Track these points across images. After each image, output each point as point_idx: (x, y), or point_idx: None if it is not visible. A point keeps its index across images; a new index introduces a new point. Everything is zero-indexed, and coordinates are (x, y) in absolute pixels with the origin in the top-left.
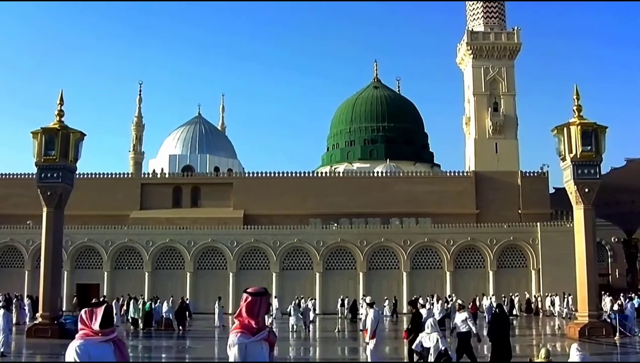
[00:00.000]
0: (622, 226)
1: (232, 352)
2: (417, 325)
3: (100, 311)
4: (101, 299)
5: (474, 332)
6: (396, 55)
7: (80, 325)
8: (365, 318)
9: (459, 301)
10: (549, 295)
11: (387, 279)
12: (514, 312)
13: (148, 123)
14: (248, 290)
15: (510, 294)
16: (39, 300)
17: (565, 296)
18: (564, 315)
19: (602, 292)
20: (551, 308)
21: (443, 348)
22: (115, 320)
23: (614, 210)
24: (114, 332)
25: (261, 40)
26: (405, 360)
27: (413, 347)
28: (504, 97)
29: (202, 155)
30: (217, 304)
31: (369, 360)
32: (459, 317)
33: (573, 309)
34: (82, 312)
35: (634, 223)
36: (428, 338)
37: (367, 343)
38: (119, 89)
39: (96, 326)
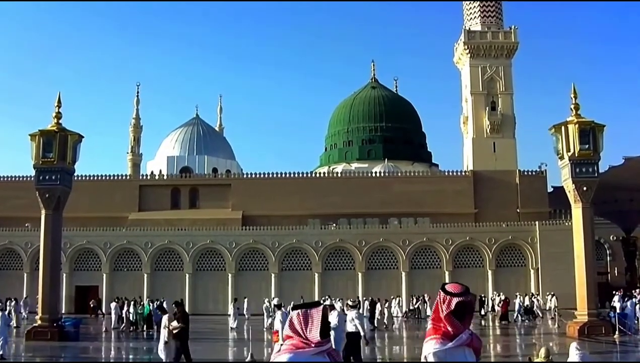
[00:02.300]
0: (621, 224)
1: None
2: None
3: (317, 315)
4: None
5: (362, 333)
6: (393, 55)
7: (288, 331)
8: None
9: (349, 301)
10: (532, 295)
11: (386, 279)
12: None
13: (146, 124)
14: (447, 289)
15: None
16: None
17: (549, 296)
18: (552, 316)
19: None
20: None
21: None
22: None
23: (613, 209)
24: (329, 342)
25: (259, 41)
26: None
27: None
28: (501, 96)
29: (200, 156)
30: (232, 305)
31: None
32: (348, 317)
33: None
34: (294, 315)
35: (632, 222)
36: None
37: (281, 345)
38: (117, 91)
39: (314, 334)
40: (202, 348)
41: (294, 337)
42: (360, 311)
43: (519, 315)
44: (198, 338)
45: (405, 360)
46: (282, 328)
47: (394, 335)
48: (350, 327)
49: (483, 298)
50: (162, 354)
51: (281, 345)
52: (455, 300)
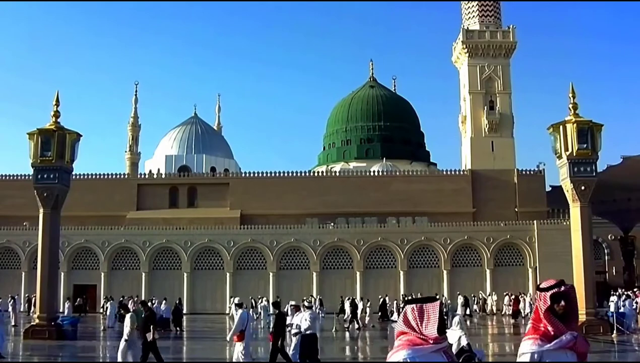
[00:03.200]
0: (619, 223)
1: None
2: (281, 326)
3: (434, 310)
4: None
5: (317, 334)
6: (392, 54)
7: (402, 327)
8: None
9: (306, 302)
10: (506, 294)
11: (384, 278)
12: (467, 312)
13: (144, 123)
14: (541, 286)
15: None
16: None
17: (522, 296)
18: (523, 315)
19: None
20: (505, 307)
21: (465, 344)
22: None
23: (611, 208)
24: (446, 339)
25: (257, 40)
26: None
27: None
28: (499, 95)
29: (198, 155)
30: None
31: (236, 360)
32: (302, 317)
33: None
34: (408, 309)
35: (630, 221)
36: (452, 335)
37: (242, 345)
38: (115, 90)
39: (431, 330)
40: (202, 347)
41: (410, 333)
42: (317, 311)
43: (529, 313)
44: (198, 337)
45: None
46: (236, 327)
47: (366, 335)
48: (304, 327)
49: (474, 298)
50: (121, 356)
51: (401, 339)
52: (549, 294)
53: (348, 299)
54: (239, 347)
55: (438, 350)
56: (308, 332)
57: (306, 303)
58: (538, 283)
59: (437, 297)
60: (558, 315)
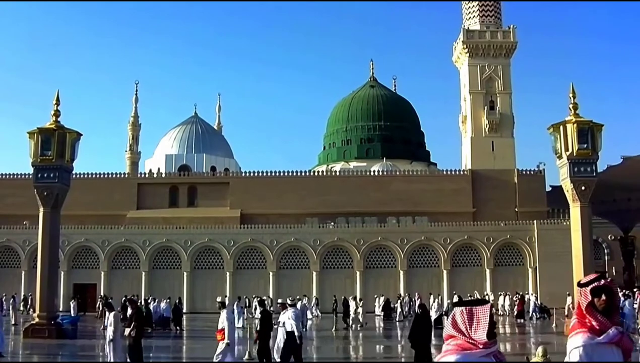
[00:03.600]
0: (619, 224)
1: (572, 357)
2: (267, 325)
3: (484, 314)
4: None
5: (296, 333)
6: (392, 54)
7: (450, 330)
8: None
9: (288, 300)
10: (501, 294)
11: (384, 278)
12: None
13: (144, 123)
14: (581, 282)
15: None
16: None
17: (517, 296)
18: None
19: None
20: (504, 307)
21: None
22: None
23: (611, 208)
24: (496, 343)
25: (257, 40)
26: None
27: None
28: (500, 95)
29: (198, 154)
30: (236, 304)
31: (220, 360)
32: (285, 315)
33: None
34: (457, 312)
35: (630, 221)
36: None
37: (227, 345)
38: (115, 89)
39: (481, 335)
40: (202, 347)
41: (458, 337)
42: (297, 312)
43: (534, 313)
44: (197, 336)
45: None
46: (228, 327)
47: (359, 334)
48: (288, 326)
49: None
50: (111, 356)
51: (450, 344)
52: (589, 289)
53: (354, 298)
54: (222, 345)
55: (488, 355)
56: (291, 330)
57: (289, 301)
58: (579, 280)
59: (487, 299)
60: (599, 310)
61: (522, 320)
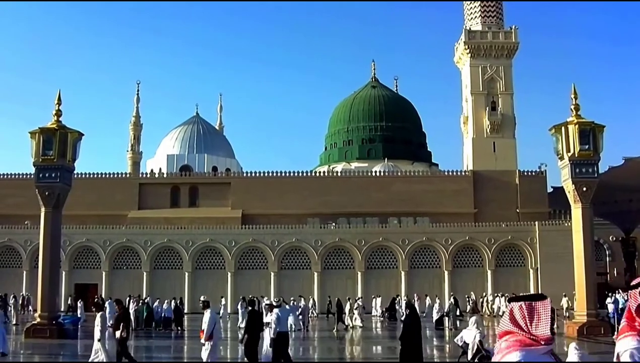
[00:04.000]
0: (620, 225)
1: (624, 358)
2: (253, 324)
3: (545, 309)
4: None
5: (272, 335)
6: (394, 54)
7: (508, 326)
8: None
9: (274, 301)
10: (497, 295)
11: (385, 278)
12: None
13: (146, 123)
14: (632, 284)
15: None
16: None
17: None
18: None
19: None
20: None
21: (477, 342)
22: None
23: (612, 209)
24: (554, 339)
25: (259, 40)
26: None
27: (456, 340)
28: (501, 96)
29: (200, 154)
30: (240, 304)
31: (205, 361)
32: (269, 316)
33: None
34: (515, 307)
35: (632, 222)
36: (469, 334)
37: (203, 345)
38: (117, 89)
39: (543, 330)
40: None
41: (517, 332)
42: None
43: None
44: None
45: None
46: (207, 327)
47: (354, 335)
48: (280, 327)
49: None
50: (95, 356)
51: (505, 341)
52: (638, 290)
53: (349, 299)
54: (207, 347)
55: (548, 352)
56: (278, 330)
57: (274, 302)
58: (630, 282)
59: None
60: None
61: None
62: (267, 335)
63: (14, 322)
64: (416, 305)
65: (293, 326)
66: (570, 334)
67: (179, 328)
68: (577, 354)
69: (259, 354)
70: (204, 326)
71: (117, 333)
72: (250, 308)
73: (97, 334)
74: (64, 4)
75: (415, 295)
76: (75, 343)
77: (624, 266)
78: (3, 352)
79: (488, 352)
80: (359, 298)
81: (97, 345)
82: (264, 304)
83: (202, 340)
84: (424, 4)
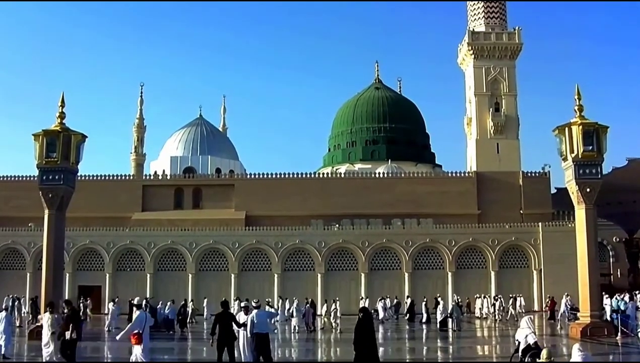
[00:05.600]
0: (624, 226)
1: None
2: (219, 324)
3: None
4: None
5: (249, 335)
6: (397, 56)
7: None
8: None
9: (253, 302)
10: (480, 296)
11: (388, 280)
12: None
13: (149, 125)
14: None
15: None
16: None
17: (498, 298)
18: (507, 318)
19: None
20: (481, 310)
21: (532, 342)
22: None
23: (616, 210)
24: None
25: (262, 42)
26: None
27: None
28: (505, 97)
29: (203, 156)
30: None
31: (138, 360)
32: (250, 317)
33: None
34: None
35: (635, 223)
36: (521, 333)
37: (140, 348)
38: (120, 91)
39: None
40: (209, 349)
41: None
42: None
43: (570, 313)
44: (202, 338)
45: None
46: (130, 327)
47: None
48: (257, 328)
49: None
50: (49, 357)
51: None
52: None
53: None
54: (137, 350)
55: None
56: (255, 332)
57: (254, 304)
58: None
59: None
60: None
61: (552, 321)
62: (242, 335)
63: (18, 324)
64: (423, 307)
65: (297, 327)
66: (574, 335)
67: (182, 330)
68: (580, 355)
69: (240, 355)
70: (131, 327)
71: (67, 334)
72: (222, 309)
73: (44, 336)
74: (67, 5)
75: (424, 297)
76: (78, 345)
77: (628, 267)
78: (4, 355)
79: (540, 349)
80: (335, 300)
81: (50, 348)
82: (236, 305)
83: (119, 339)
84: (427, 5)
